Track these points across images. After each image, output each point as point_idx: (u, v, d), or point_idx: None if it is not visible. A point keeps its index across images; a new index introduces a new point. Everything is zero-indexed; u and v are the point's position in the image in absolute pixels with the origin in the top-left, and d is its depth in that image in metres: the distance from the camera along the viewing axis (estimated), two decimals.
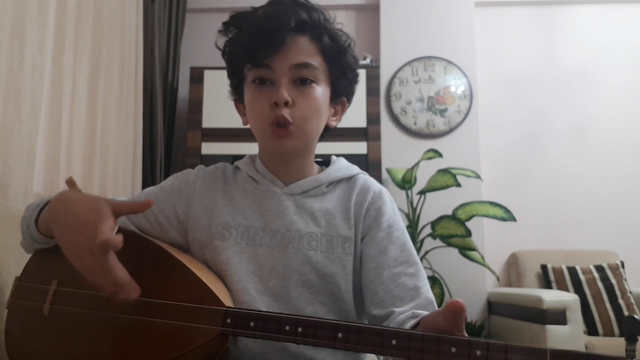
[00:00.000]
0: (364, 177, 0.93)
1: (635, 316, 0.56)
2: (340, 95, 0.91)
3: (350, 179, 0.91)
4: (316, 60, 0.84)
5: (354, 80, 0.92)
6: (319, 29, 0.84)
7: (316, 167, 0.94)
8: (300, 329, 0.67)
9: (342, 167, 0.93)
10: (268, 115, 0.82)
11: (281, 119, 0.81)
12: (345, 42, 0.88)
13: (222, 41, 0.88)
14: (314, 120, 0.85)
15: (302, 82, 0.83)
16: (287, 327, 0.68)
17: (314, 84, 0.84)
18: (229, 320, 0.71)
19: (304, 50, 0.83)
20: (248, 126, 0.93)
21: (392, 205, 0.90)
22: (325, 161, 0.96)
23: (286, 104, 0.81)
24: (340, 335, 0.65)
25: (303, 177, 0.89)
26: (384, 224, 0.86)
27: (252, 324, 0.70)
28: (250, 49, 0.82)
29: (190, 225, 0.88)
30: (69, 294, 0.81)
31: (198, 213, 0.88)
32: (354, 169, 0.94)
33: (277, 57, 0.81)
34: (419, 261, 0.86)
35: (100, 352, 0.76)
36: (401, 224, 0.89)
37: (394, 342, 0.63)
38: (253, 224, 0.85)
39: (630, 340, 0.56)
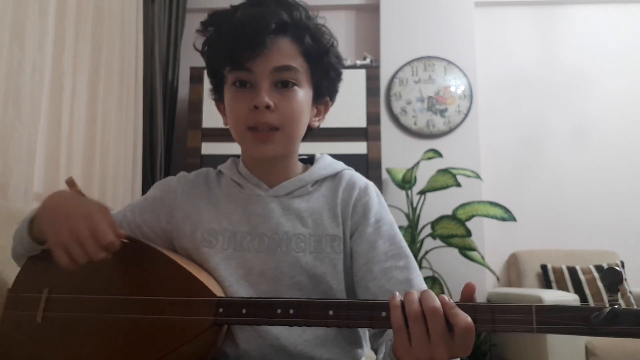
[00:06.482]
0: (350, 173, 0.91)
1: (616, 267, 0.58)
2: (323, 95, 0.89)
3: (335, 176, 0.90)
4: (298, 62, 0.82)
5: (337, 79, 0.90)
6: (301, 30, 0.82)
7: (300, 165, 0.92)
8: (291, 311, 0.68)
9: (326, 165, 0.91)
10: (247, 119, 0.80)
11: (262, 124, 0.80)
12: (328, 41, 0.85)
13: (199, 42, 0.85)
14: (296, 124, 0.83)
15: (284, 85, 0.81)
16: (279, 310, 0.68)
17: (295, 87, 0.82)
18: (221, 310, 0.71)
19: (285, 53, 0.81)
20: (228, 127, 0.92)
21: (379, 199, 0.89)
22: (309, 159, 0.94)
23: (267, 107, 0.79)
24: (331, 312, 0.66)
25: (287, 178, 0.87)
26: (372, 219, 0.85)
27: (244, 310, 0.70)
28: (230, 51, 0.80)
29: (175, 233, 0.87)
30: (61, 300, 0.81)
31: (180, 221, 0.87)
32: (339, 165, 0.92)
33: (258, 60, 0.78)
34: (409, 253, 0.85)
35: (96, 354, 0.76)
36: (389, 217, 0.88)
37: (383, 314, 0.64)
38: (239, 228, 0.84)
39: (612, 290, 0.58)
